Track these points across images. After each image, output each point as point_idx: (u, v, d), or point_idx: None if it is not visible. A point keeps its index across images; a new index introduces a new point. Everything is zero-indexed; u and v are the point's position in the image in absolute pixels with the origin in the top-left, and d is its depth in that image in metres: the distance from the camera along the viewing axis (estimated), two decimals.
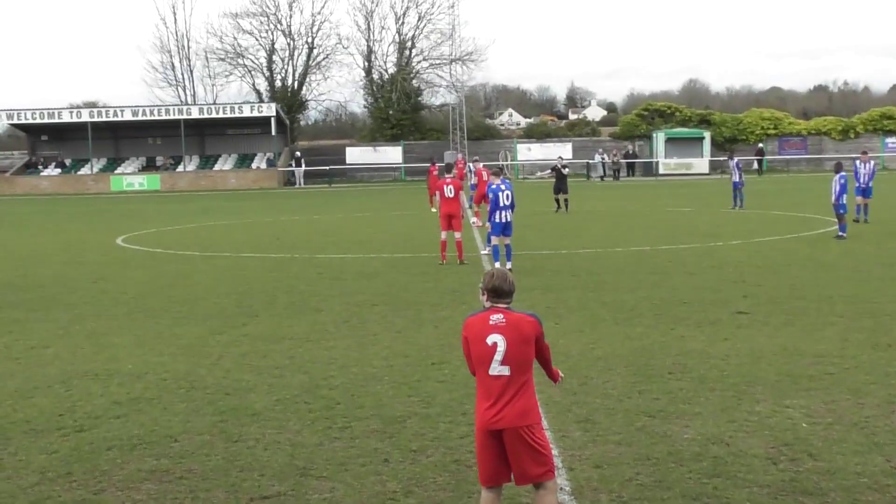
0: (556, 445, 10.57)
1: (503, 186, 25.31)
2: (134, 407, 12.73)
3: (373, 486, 9.57)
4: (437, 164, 58.18)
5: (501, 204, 25.06)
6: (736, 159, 48.70)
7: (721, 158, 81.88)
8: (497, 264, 24.90)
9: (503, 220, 25.11)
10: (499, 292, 7.82)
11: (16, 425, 12.03)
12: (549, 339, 15.98)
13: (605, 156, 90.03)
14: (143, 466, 10.33)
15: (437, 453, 10.50)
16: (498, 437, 7.65)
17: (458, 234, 27.40)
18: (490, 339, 7.65)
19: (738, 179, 46.47)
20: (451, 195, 27.46)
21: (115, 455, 10.73)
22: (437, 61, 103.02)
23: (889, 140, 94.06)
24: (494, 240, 25.66)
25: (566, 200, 47.22)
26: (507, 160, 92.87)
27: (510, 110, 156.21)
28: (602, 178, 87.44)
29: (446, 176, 28.70)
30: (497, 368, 7.65)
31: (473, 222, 30.73)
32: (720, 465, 9.81)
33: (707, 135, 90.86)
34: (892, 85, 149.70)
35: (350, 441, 11.00)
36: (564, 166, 48.76)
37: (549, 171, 50.48)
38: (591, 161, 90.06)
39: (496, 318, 7.71)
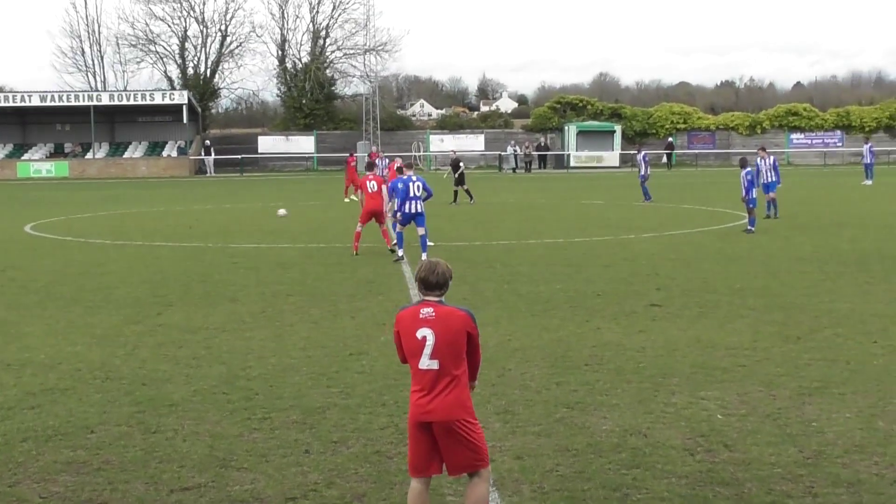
0: None
1: (414, 178, 26.13)
2: (48, 398, 12.54)
3: (294, 477, 9.52)
4: (355, 157, 58.08)
5: (411, 194, 25.79)
6: (643, 152, 49.20)
7: (632, 152, 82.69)
8: (399, 251, 26.15)
9: (412, 211, 25.77)
10: (427, 284, 7.80)
11: None
12: None
13: (518, 148, 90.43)
14: (60, 458, 10.18)
15: (357, 444, 10.48)
16: (428, 428, 7.64)
17: (382, 226, 27.81)
18: (419, 333, 7.63)
19: (644, 173, 46.92)
20: (374, 190, 27.46)
21: (30, 447, 10.56)
22: (351, 51, 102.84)
23: (794, 136, 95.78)
24: (399, 228, 26.41)
25: (456, 192, 47.62)
26: (419, 151, 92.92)
27: (422, 101, 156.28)
28: (514, 170, 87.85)
29: (367, 173, 28.64)
30: (426, 362, 7.62)
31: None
32: (639, 457, 9.91)
33: (618, 128, 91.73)
34: (796, 82, 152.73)
35: (270, 432, 10.94)
36: (458, 160, 49.33)
37: (449, 167, 51.03)
38: (503, 153, 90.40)
39: (426, 311, 7.68)
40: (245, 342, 15.80)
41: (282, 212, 40.61)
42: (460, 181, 47.97)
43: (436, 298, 7.79)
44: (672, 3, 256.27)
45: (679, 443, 10.35)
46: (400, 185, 26.06)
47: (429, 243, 26.43)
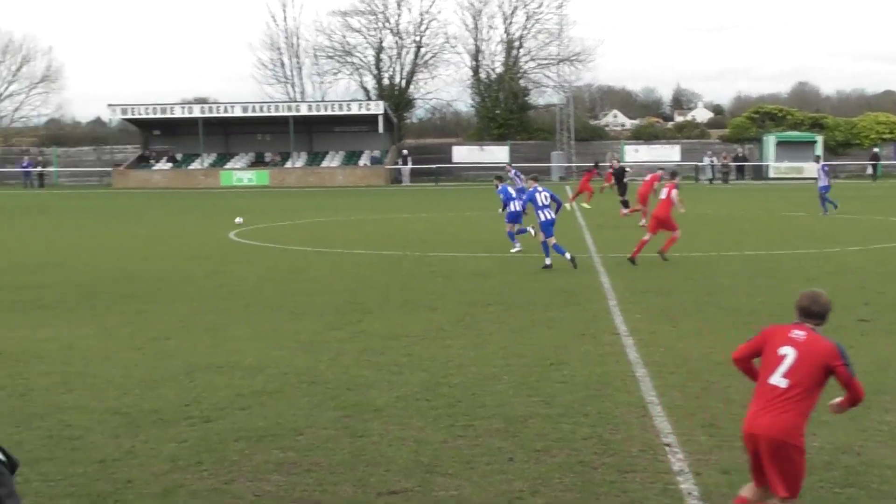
0: (682, 449, 10.51)
1: (540, 188, 27.28)
2: (257, 400, 12.90)
3: (499, 484, 9.59)
4: (599, 166, 58.00)
5: (540, 203, 26.79)
6: (822, 164, 47.92)
7: (834, 163, 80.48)
8: (547, 260, 26.62)
9: (547, 219, 26.70)
10: (807, 312, 7.97)
11: (145, 415, 12.27)
12: (666, 342, 16.00)
13: (715, 159, 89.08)
14: (271, 458, 10.46)
15: (561, 454, 10.48)
16: (754, 441, 7.76)
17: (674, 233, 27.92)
18: (782, 350, 7.80)
19: (824, 184, 45.69)
20: (664, 198, 27.87)
21: (243, 446, 10.89)
22: (545, 61, 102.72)
23: None
24: (542, 237, 27.08)
25: (625, 202, 46.39)
26: (613, 161, 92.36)
27: (615, 111, 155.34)
28: (711, 181, 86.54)
29: (667, 181, 29.00)
30: (777, 379, 7.75)
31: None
32: (852, 475, 9.67)
33: (819, 139, 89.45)
34: None
35: (474, 439, 11.04)
36: (623, 169, 48.30)
37: (610, 171, 49.62)
38: (699, 164, 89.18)
39: (797, 333, 7.85)
40: (445, 350, 15.97)
41: (239, 220, 42.09)
42: (622, 191, 46.96)
43: (812, 325, 7.89)
44: (873, 8, 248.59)
45: (895, 462, 10.05)
46: (524, 197, 27.58)
47: (567, 255, 26.53)
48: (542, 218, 26.73)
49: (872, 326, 17.46)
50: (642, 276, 24.56)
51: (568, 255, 26.48)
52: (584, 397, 12.74)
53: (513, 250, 30.43)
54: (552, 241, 26.70)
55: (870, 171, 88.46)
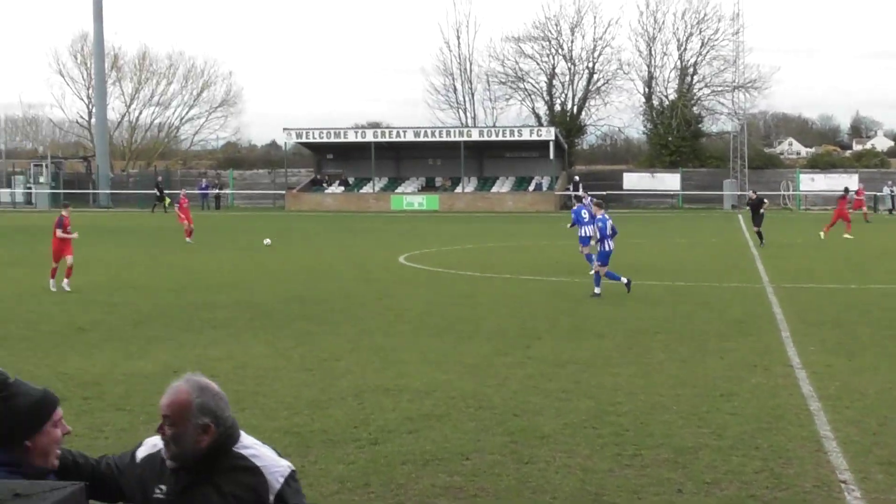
0: (859, 487, 10.21)
1: (607, 216, 27.30)
2: (425, 423, 12.98)
3: None
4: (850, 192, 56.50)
5: (609, 232, 26.78)
6: None
7: None
8: (623, 279, 26.61)
9: (610, 249, 26.83)
10: None
11: (314, 434, 12.46)
12: (841, 375, 15.61)
13: (895, 188, 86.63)
14: (437, 482, 10.51)
15: (731, 487, 10.29)
16: None
17: None
18: None
19: None
20: None
21: (410, 469, 10.96)
22: (719, 88, 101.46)
23: None
24: (601, 268, 26.89)
25: (759, 234, 44.23)
26: (788, 190, 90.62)
27: (790, 139, 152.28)
28: (891, 211, 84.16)
29: None
30: None
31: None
32: None
33: None
34: None
35: (641, 469, 10.91)
36: (762, 199, 45.85)
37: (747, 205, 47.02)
38: (879, 193, 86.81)
39: None
40: (613, 378, 15.85)
41: (267, 241, 43.38)
42: (758, 222, 44.88)
43: None
44: None
45: None
46: (600, 225, 27.08)
47: (623, 280, 26.78)
48: (606, 248, 26.74)
49: None
50: (817, 308, 24.01)
51: (624, 280, 26.70)
52: (755, 430, 12.49)
53: (591, 272, 29.23)
54: (604, 270, 26.82)
55: None
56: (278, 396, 14.61)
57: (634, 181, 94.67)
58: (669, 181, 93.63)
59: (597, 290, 26.42)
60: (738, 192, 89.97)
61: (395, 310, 24.04)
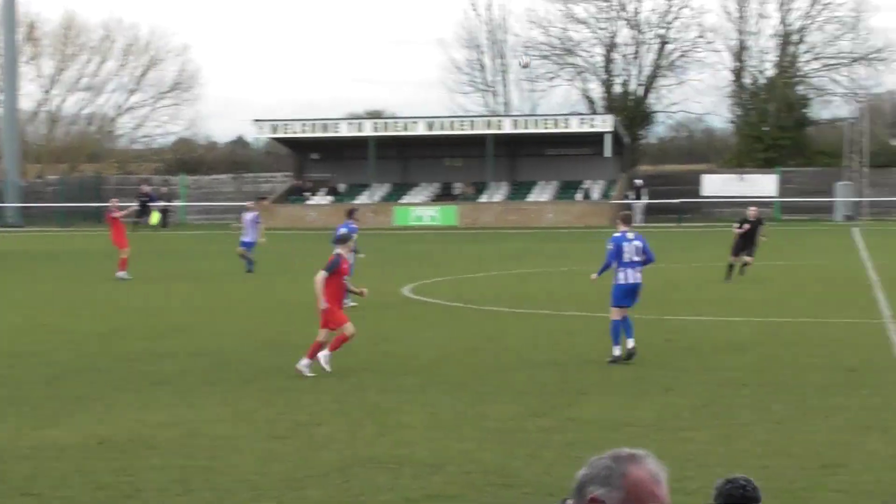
0: None
1: (630, 235, 23.97)
2: None
3: None
4: None
5: (626, 259, 23.66)
6: None
7: None
8: (616, 350, 23.34)
9: (628, 282, 23.68)
10: None
11: None
12: None
13: None
14: None
15: None
16: None
17: None
18: None
19: None
20: None
21: None
22: (833, 61, 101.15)
23: None
24: (615, 313, 23.79)
25: (745, 264, 42.26)
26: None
27: None
28: None
29: None
30: None
31: None
32: None
33: None
34: None
35: None
36: (750, 221, 43.33)
37: (738, 224, 43.46)
38: None
39: None
40: (683, 444, 15.90)
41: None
42: (750, 249, 42.56)
43: None
44: None
45: None
46: (610, 246, 24.08)
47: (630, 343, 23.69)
48: (622, 279, 23.74)
49: None
50: None
51: (616, 351, 23.37)
52: None
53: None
54: (622, 312, 23.69)
55: None
56: (238, 474, 14.69)
57: (717, 185, 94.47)
58: (763, 185, 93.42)
59: (616, 352, 23.39)
60: (856, 199, 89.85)
61: (397, 358, 24.12)
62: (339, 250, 22.94)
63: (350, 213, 36.34)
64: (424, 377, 21.79)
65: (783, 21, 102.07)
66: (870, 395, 19.52)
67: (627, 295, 23.73)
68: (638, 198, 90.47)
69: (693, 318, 30.11)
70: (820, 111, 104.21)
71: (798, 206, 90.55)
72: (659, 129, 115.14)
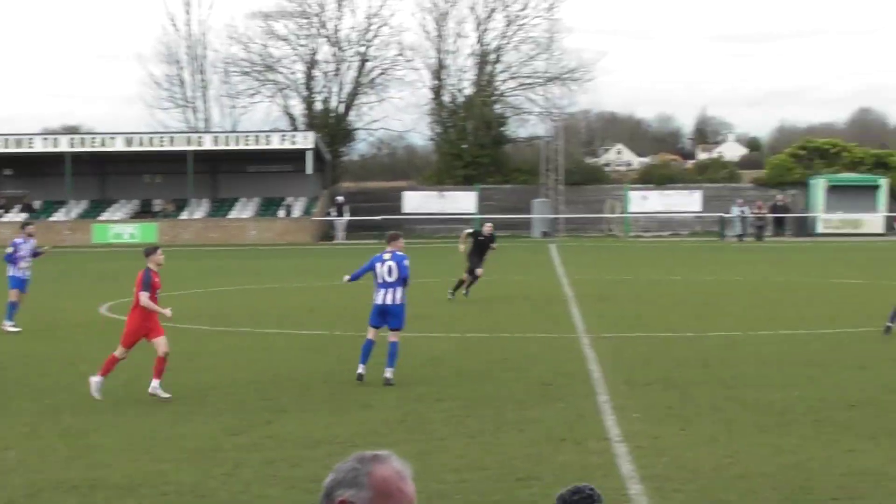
0: None
1: (386, 256, 23.62)
2: None
3: None
4: None
5: (379, 279, 23.36)
6: None
7: None
8: (360, 368, 23.07)
9: (377, 303, 23.40)
10: None
11: None
12: (671, 449, 16.10)
13: (747, 208, 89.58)
14: None
15: None
16: None
17: None
18: None
19: None
20: None
21: None
22: (529, 80, 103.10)
23: None
24: (368, 331, 23.72)
25: (475, 278, 41.90)
26: (614, 212, 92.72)
27: (619, 146, 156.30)
28: (741, 237, 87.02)
29: None
30: None
31: None
32: None
33: (884, 182, 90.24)
34: None
35: None
36: (484, 236, 42.93)
37: (467, 234, 43.00)
38: (726, 215, 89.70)
39: None
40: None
41: None
42: (478, 262, 43.45)
43: None
44: None
45: None
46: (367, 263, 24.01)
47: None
48: (375, 299, 23.45)
49: None
50: (644, 363, 24.68)
51: (361, 370, 23.05)
52: None
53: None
54: (374, 332, 23.56)
55: None
56: None
57: (418, 202, 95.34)
58: (463, 202, 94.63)
59: (359, 370, 23.05)
60: (552, 216, 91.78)
61: None
62: (148, 265, 22.27)
63: (23, 227, 35.26)
64: (121, 397, 21.53)
65: (480, 41, 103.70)
66: (564, 408, 19.90)
67: (378, 315, 23.40)
68: (340, 214, 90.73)
69: (381, 334, 30.27)
70: (517, 129, 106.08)
71: (497, 223, 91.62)
72: (361, 146, 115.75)
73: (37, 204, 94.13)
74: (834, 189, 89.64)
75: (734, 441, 16.98)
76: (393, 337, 23.27)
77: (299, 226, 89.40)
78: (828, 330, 30.22)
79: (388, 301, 23.21)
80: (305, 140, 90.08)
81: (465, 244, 41.27)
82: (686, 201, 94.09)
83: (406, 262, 23.57)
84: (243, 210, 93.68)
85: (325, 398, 21.05)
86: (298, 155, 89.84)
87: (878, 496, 13.81)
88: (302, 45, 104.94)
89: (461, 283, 41.47)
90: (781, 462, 15.62)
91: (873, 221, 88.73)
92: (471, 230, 43.62)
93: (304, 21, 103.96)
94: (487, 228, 43.23)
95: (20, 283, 32.53)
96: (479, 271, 41.60)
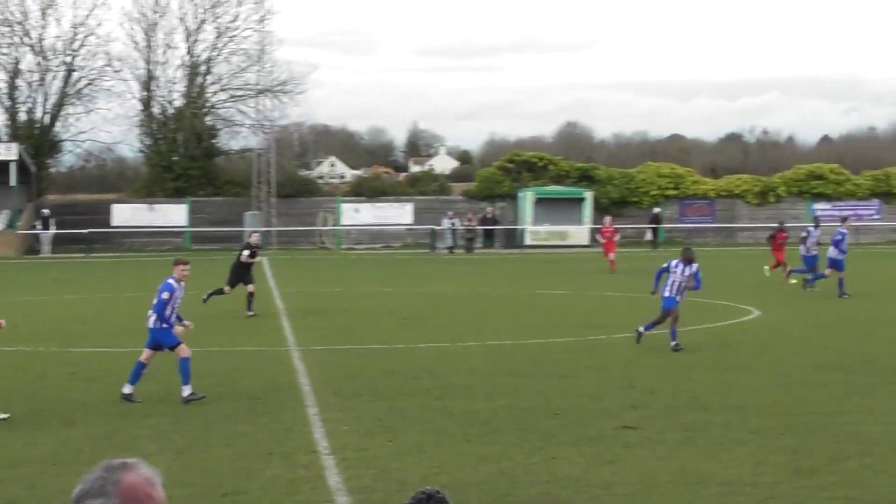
0: None
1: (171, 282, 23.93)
2: None
3: None
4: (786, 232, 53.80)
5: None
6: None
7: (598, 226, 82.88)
8: (125, 388, 22.50)
9: (160, 325, 23.09)
10: None
11: None
12: (378, 461, 16.21)
13: (457, 221, 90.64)
14: None
15: None
16: None
17: None
18: None
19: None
20: None
21: None
22: (240, 92, 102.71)
23: (817, 206, 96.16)
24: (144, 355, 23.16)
25: (251, 294, 40.04)
26: (326, 224, 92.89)
27: (332, 159, 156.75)
28: (451, 249, 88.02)
29: None
30: None
31: None
32: None
33: (589, 195, 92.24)
34: (823, 135, 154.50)
35: None
36: (255, 248, 42.26)
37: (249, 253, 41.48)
38: (437, 227, 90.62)
39: None
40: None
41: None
42: (248, 278, 40.80)
43: None
44: (655, 36, 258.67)
45: None
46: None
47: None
48: (151, 323, 23.14)
49: (639, 435, 18.08)
50: (354, 375, 24.77)
51: (128, 389, 22.45)
52: None
53: None
54: (147, 354, 23.08)
55: (649, 235, 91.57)
56: None
57: (127, 215, 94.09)
58: (174, 215, 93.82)
59: (126, 389, 22.48)
60: (265, 228, 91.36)
61: None
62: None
63: None
64: None
65: (190, 52, 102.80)
66: (272, 421, 19.87)
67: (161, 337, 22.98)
68: (46, 228, 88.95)
69: (100, 350, 29.82)
70: (229, 141, 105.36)
71: (209, 236, 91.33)
72: (68, 158, 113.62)
73: None
74: (541, 202, 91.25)
75: (441, 451, 17.17)
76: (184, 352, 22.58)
77: (3, 239, 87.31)
78: (533, 340, 30.74)
79: (149, 324, 23.18)
80: (8, 151, 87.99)
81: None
82: (398, 213, 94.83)
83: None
84: None
85: (26, 415, 20.54)
86: (2, 167, 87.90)
87: (579, 502, 14.09)
88: (4, 54, 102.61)
89: (221, 291, 40.72)
90: (486, 470, 15.84)
91: (579, 233, 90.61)
92: (247, 250, 41.50)
93: (7, 29, 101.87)
94: (255, 238, 42.45)
95: None
96: (251, 287, 39.81)
